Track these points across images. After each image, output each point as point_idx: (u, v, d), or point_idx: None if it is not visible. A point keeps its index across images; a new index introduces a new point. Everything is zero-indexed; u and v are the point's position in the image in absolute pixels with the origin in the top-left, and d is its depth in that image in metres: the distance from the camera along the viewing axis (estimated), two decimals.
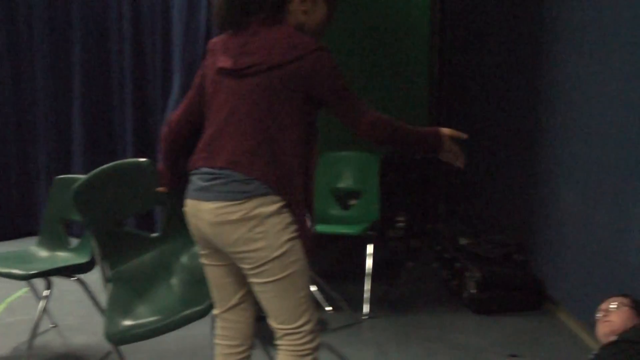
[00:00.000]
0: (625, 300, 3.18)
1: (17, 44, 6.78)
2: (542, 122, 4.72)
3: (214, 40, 2.51)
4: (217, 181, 2.30)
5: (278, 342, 2.42)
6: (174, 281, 3.18)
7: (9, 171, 6.91)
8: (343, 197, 5.38)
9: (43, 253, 4.12)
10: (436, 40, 7.46)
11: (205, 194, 2.31)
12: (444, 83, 7.49)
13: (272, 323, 2.41)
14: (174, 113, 2.66)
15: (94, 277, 4.05)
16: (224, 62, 2.35)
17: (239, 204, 2.26)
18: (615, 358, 2.81)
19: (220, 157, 2.30)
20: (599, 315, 3.24)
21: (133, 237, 3.30)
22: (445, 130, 2.53)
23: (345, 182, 5.21)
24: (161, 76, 6.31)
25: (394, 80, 7.60)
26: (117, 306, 3.07)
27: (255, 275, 2.34)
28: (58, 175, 4.34)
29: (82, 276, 3.89)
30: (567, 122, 4.31)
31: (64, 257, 4.00)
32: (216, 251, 2.42)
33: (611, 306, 3.17)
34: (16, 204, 6.97)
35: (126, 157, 6.55)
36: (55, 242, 4.16)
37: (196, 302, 3.00)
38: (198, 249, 2.58)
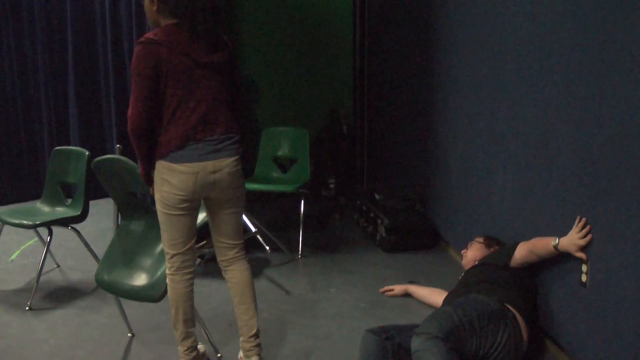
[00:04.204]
0: (480, 238, 3.79)
1: (21, 45, 7.07)
2: (436, 107, 5.08)
3: (159, 38, 2.64)
4: (226, 142, 2.81)
5: (236, 255, 3.02)
6: (153, 250, 3.36)
7: (20, 146, 7.21)
8: (282, 164, 5.75)
9: (45, 208, 4.47)
10: (357, 42, 7.77)
11: (221, 153, 2.79)
12: (364, 77, 7.78)
13: (234, 241, 3.00)
14: (137, 114, 2.66)
15: (87, 229, 4.44)
16: (207, 57, 2.73)
17: (239, 157, 2.88)
18: (470, 277, 3.39)
19: (218, 127, 2.78)
20: (463, 250, 3.82)
21: (141, 205, 3.45)
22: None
23: (283, 151, 5.58)
24: None
25: (327, 73, 7.95)
26: (109, 259, 3.35)
27: (237, 205, 2.95)
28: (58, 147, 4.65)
29: (77, 226, 4.25)
30: (451, 106, 4.71)
31: (62, 211, 4.36)
32: (194, 201, 2.83)
33: (470, 243, 3.76)
34: (26, 172, 7.25)
35: (112, 134, 7.06)
36: (54, 199, 4.50)
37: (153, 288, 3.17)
38: (176, 207, 2.76)
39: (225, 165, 2.79)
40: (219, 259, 3.05)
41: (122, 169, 3.20)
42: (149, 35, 2.69)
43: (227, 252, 3.02)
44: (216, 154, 2.77)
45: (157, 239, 3.22)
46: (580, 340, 2.87)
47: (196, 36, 2.72)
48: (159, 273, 3.19)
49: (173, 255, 2.90)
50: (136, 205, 3.43)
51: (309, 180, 5.33)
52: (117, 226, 3.51)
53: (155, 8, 2.73)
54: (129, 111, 2.70)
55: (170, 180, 2.74)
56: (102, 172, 3.32)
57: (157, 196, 2.82)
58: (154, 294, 3.12)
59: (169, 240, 2.88)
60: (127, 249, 3.37)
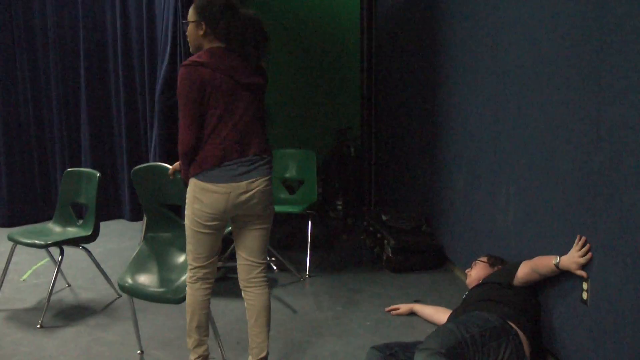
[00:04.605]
0: (484, 258, 3.84)
1: (35, 68, 7.18)
2: (440, 130, 5.17)
3: (202, 60, 2.72)
4: (258, 163, 2.87)
5: (258, 275, 3.03)
6: (177, 259, 3.52)
7: (32, 168, 7.27)
8: (290, 185, 5.83)
9: (57, 228, 4.53)
10: (365, 65, 7.81)
11: (253, 173, 2.85)
12: (372, 100, 7.86)
13: (259, 259, 3.03)
14: (188, 139, 2.76)
15: (97, 249, 4.48)
16: (248, 79, 2.80)
17: (270, 177, 2.94)
18: (474, 295, 3.44)
19: (252, 148, 2.84)
20: (467, 269, 3.87)
21: (168, 218, 3.57)
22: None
23: (291, 173, 5.65)
24: (147, 91, 6.82)
25: (335, 96, 8.06)
26: (134, 265, 3.48)
27: (264, 222, 2.99)
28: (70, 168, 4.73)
29: (87, 246, 4.32)
30: (456, 129, 4.78)
31: (73, 231, 4.42)
32: (223, 220, 2.89)
33: (474, 262, 3.81)
34: (38, 193, 7.31)
35: (122, 154, 7.17)
36: (66, 220, 4.57)
37: (174, 291, 3.29)
38: (205, 225, 2.84)
39: (256, 185, 2.85)
40: (240, 277, 3.07)
41: (161, 175, 3.36)
42: (193, 58, 2.76)
43: (250, 272, 3.03)
44: (248, 174, 2.83)
45: (182, 249, 3.35)
46: (582, 357, 2.90)
47: (245, 60, 2.80)
48: (181, 279, 3.32)
49: (195, 267, 2.98)
50: (165, 218, 3.55)
51: (317, 201, 5.39)
52: (145, 237, 3.64)
53: (201, 33, 2.81)
54: (180, 136, 2.78)
55: (202, 199, 2.81)
56: (139, 180, 3.47)
57: (187, 212, 2.89)
58: (175, 296, 3.21)
59: (193, 253, 2.96)
60: (153, 257, 3.51)
